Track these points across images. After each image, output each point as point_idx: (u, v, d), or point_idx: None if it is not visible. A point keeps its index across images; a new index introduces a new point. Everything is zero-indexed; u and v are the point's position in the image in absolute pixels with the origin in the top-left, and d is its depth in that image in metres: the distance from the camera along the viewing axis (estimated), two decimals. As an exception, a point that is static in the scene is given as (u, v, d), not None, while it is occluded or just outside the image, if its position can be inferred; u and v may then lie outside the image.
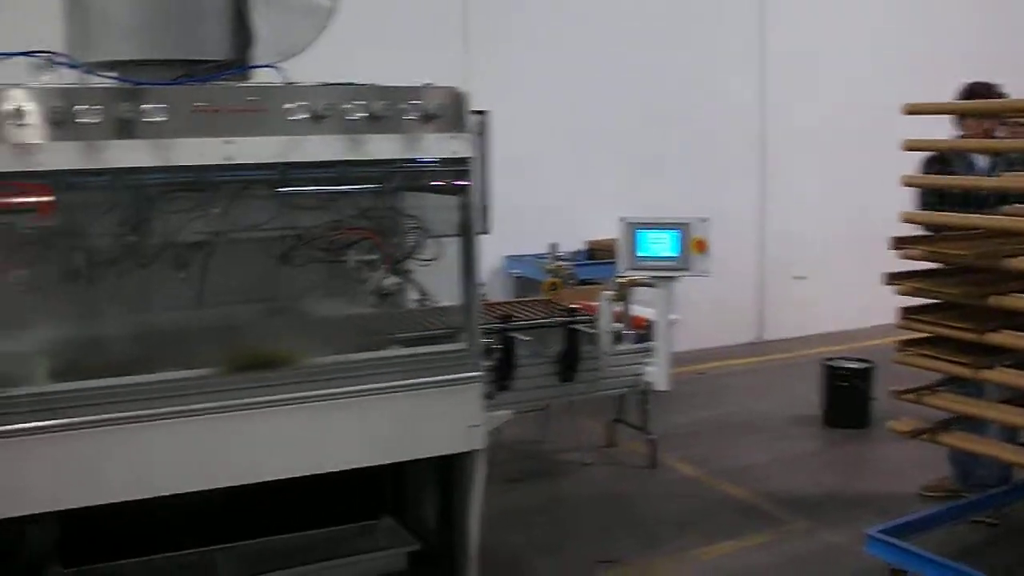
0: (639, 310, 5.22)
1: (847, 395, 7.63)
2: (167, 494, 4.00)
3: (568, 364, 4.78)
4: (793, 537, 5.77)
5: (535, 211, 8.47)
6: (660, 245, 4.93)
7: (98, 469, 3.90)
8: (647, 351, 5.08)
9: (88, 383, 3.93)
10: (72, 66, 4.15)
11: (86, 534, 4.47)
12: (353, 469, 4.27)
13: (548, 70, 9.18)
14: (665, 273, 4.98)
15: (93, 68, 4.15)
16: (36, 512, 3.92)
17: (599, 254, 8.86)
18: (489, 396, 4.42)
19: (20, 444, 3.78)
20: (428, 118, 4.15)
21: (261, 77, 4.43)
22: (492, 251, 7.94)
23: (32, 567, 4.40)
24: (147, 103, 3.81)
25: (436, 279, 4.55)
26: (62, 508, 3.95)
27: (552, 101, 9.16)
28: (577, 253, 8.91)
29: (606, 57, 9.51)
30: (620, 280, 5.05)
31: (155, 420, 3.93)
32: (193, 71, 4.25)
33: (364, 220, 4.38)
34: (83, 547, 4.54)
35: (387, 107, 4.09)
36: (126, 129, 3.79)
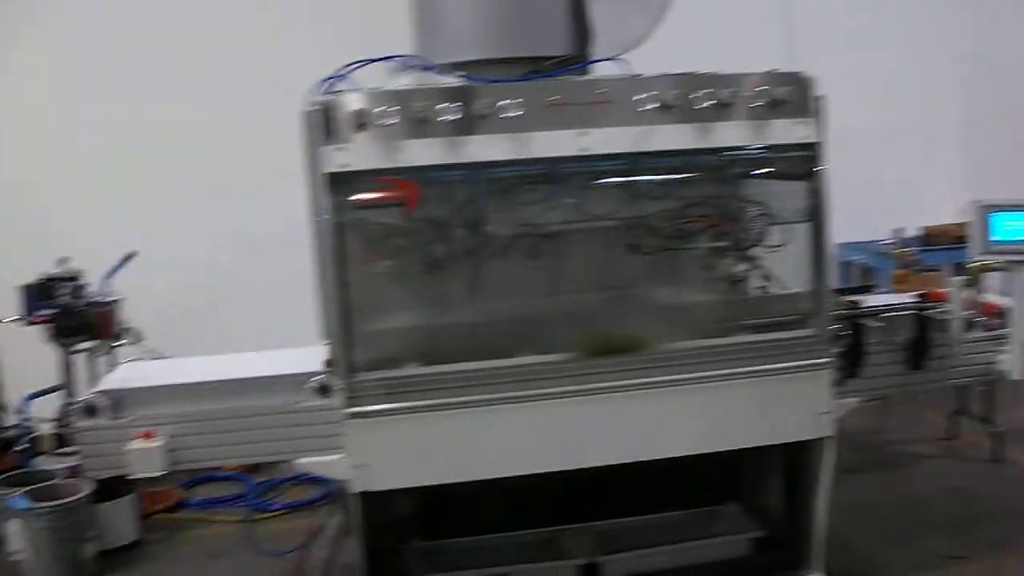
0: (990, 296, 5.00)
1: None
2: (520, 474, 4.17)
3: (918, 352, 4.63)
4: None
5: (867, 196, 8.22)
6: (1016, 228, 4.71)
7: (457, 449, 4.12)
8: (1001, 339, 4.86)
9: (448, 367, 4.17)
10: (425, 68, 4.38)
11: (444, 510, 4.72)
12: (700, 455, 4.32)
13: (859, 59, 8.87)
14: (1021, 257, 4.74)
15: (444, 69, 4.37)
16: (401, 487, 4.19)
17: (936, 240, 8.55)
18: (837, 383, 4.36)
19: (381, 424, 4.06)
20: (774, 104, 4.13)
21: (602, 70, 4.53)
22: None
23: (395, 539, 4.67)
24: (501, 99, 3.96)
25: (779, 265, 4.53)
26: (424, 484, 4.22)
27: (869, 89, 8.84)
28: (912, 239, 8.62)
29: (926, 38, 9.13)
30: (971, 265, 4.85)
31: (510, 403, 4.12)
32: (537, 68, 4.40)
33: (710, 207, 4.40)
34: (441, 522, 4.79)
35: (733, 94, 4.10)
36: (483, 125, 3.97)
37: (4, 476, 5.76)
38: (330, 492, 5.81)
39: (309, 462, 4.19)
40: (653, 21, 4.61)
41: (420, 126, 3.94)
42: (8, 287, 6.16)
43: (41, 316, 6.03)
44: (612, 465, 4.23)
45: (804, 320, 4.33)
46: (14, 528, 5.43)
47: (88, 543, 5.45)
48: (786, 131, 4.17)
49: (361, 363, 4.06)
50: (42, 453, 6.20)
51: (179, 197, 7.84)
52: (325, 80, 4.11)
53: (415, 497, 4.60)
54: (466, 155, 3.98)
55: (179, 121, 7.81)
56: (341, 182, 3.94)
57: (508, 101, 3.95)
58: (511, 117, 3.96)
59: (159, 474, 4.09)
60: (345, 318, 4.01)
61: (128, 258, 6.36)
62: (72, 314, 6.00)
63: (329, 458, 4.10)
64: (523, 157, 4.00)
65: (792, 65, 4.26)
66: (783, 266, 4.45)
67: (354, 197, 4.00)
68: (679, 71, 4.18)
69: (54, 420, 6.16)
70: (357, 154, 3.92)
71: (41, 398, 6.29)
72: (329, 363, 4.15)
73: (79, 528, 5.41)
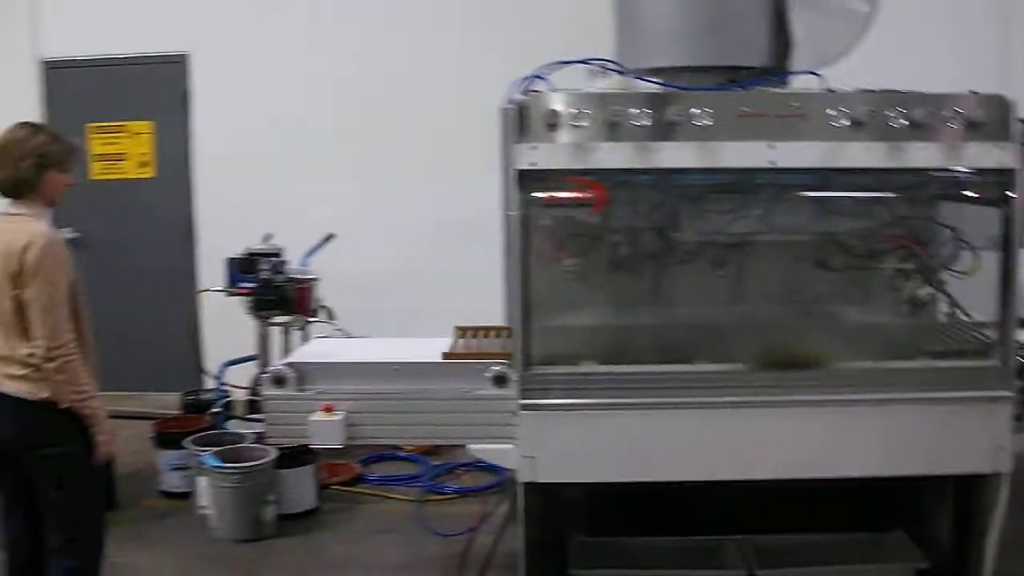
0: None
1: None
2: (687, 480, 4.20)
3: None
4: None
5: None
6: None
7: (626, 449, 4.16)
8: None
9: (624, 368, 4.24)
10: (622, 72, 4.44)
11: (609, 507, 4.76)
12: (869, 478, 4.27)
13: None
14: None
15: (641, 74, 4.42)
16: (567, 481, 4.26)
17: None
18: (1019, 418, 4.23)
19: (553, 418, 4.15)
20: (971, 126, 4.02)
21: (798, 83, 4.50)
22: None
23: (558, 531, 4.74)
24: (694, 107, 3.99)
25: (967, 292, 4.43)
26: (590, 481, 4.30)
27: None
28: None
29: None
30: None
31: (683, 408, 4.14)
32: (734, 77, 4.40)
33: (898, 228, 4.34)
34: (604, 519, 4.83)
35: (929, 114, 4.00)
36: (674, 132, 4.01)
37: (199, 435, 6.10)
38: (502, 480, 5.93)
39: (480, 449, 4.31)
40: (855, 36, 4.56)
41: (612, 130, 4.01)
42: (218, 259, 6.53)
43: (243, 288, 6.36)
44: (778, 480, 4.21)
45: (988, 350, 4.22)
46: (203, 484, 5.76)
47: (269, 506, 5.72)
48: (982, 155, 4.05)
49: (538, 357, 4.16)
50: (235, 417, 6.53)
51: (379, 185, 8.13)
52: (524, 79, 4.21)
53: (581, 492, 4.67)
54: (655, 161, 4.02)
55: (384, 111, 8.09)
56: (531, 179, 4.04)
57: (700, 109, 3.98)
58: (702, 126, 3.98)
59: (337, 447, 4.26)
60: (526, 311, 4.11)
61: (327, 239, 6.65)
62: (271, 288, 6.31)
63: (500, 447, 4.21)
64: (711, 166, 4.02)
65: (1005, 86, 4.15)
66: (970, 292, 4.34)
67: (543, 195, 4.10)
68: (881, 87, 4.14)
69: (248, 387, 6.47)
70: (548, 154, 4.02)
71: (237, 365, 6.63)
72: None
73: (262, 490, 5.69)
